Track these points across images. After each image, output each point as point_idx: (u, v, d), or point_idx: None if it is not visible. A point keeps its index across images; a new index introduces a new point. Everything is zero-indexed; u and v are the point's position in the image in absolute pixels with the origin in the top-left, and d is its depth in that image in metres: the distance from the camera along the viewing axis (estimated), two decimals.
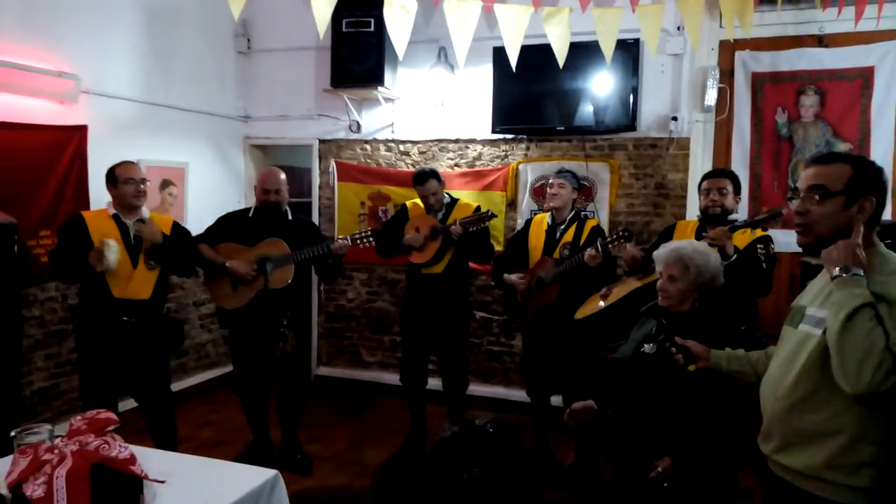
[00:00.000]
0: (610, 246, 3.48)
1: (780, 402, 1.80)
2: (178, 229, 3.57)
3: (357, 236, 3.71)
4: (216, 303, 3.81)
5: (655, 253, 2.57)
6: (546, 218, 3.93)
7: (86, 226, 3.32)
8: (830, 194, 1.73)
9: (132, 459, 1.20)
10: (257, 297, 3.63)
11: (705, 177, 3.43)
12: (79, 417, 1.24)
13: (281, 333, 3.62)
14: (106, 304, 3.28)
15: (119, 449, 1.19)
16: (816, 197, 1.74)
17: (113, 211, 3.38)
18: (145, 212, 3.46)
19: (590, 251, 3.49)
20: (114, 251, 3.19)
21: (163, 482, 1.23)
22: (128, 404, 3.73)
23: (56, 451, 1.16)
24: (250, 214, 3.83)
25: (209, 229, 3.82)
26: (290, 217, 3.80)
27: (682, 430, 2.28)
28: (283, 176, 3.75)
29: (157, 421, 3.49)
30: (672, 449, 2.28)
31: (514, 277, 3.86)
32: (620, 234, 3.49)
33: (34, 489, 1.11)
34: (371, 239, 3.73)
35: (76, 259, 3.23)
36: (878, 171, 1.77)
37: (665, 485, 2.26)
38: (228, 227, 3.79)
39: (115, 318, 3.29)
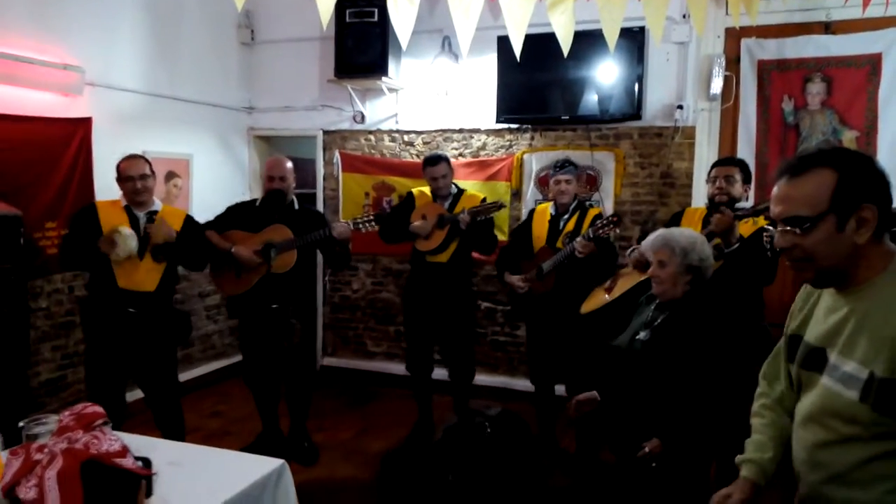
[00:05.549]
0: (601, 232, 3.48)
1: (814, 474, 1.45)
2: (191, 223, 3.55)
3: (359, 220, 3.71)
4: (220, 290, 3.82)
5: (643, 242, 2.59)
6: (549, 208, 3.94)
7: (97, 215, 3.34)
8: (814, 221, 1.33)
9: (122, 452, 1.19)
10: (262, 283, 3.64)
11: (714, 165, 3.41)
12: (67, 413, 1.24)
13: (288, 325, 3.63)
14: (111, 295, 3.30)
15: (109, 442, 1.18)
16: (797, 230, 1.36)
17: (125, 202, 3.39)
18: (158, 204, 3.46)
19: (580, 241, 3.53)
20: (128, 238, 3.18)
21: (154, 474, 1.23)
22: (135, 395, 3.76)
23: (46, 450, 1.15)
24: (257, 204, 3.86)
25: (218, 217, 3.83)
26: (296, 206, 3.81)
27: (672, 412, 2.30)
28: (289, 164, 3.76)
29: (164, 412, 3.50)
30: (662, 431, 2.30)
31: (514, 279, 3.87)
32: (608, 220, 3.51)
33: (27, 492, 1.11)
34: (373, 223, 3.73)
35: (86, 246, 3.24)
36: (869, 162, 1.36)
37: (653, 465, 2.28)
38: (236, 216, 3.81)
39: (120, 308, 3.31)
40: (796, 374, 1.55)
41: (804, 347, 1.51)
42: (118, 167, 3.36)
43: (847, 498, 1.38)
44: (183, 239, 3.42)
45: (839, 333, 1.41)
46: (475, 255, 4.23)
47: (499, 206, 3.88)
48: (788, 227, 1.37)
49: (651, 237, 2.55)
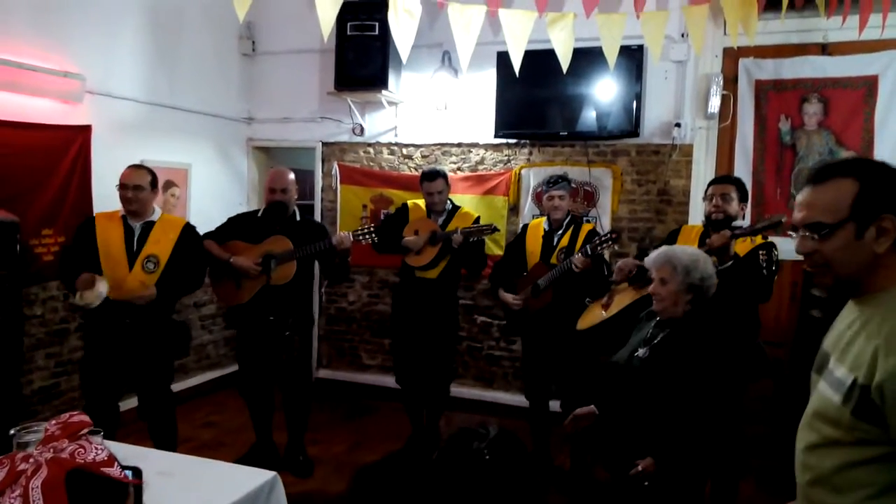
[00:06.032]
0: (599, 249, 3.49)
1: (803, 475, 1.47)
2: (189, 234, 3.52)
3: (359, 232, 3.70)
4: (219, 300, 3.80)
5: (646, 258, 2.58)
6: (542, 223, 3.94)
7: (94, 228, 3.36)
8: (833, 228, 1.37)
9: (109, 461, 1.17)
10: (261, 294, 3.63)
11: (711, 183, 3.42)
12: (53, 422, 1.22)
13: (287, 339, 3.62)
14: (107, 305, 3.29)
15: (95, 451, 1.16)
16: (816, 236, 1.39)
17: (122, 212, 3.39)
18: (157, 213, 3.47)
19: (578, 258, 3.53)
20: (97, 295, 3.17)
21: (140, 482, 1.22)
22: (128, 404, 3.74)
23: (31, 460, 1.14)
24: (259, 215, 3.86)
25: (219, 228, 3.83)
26: (297, 218, 3.81)
27: (667, 431, 2.28)
28: (291, 176, 3.76)
29: (157, 422, 3.49)
30: (656, 449, 2.29)
31: (509, 297, 3.88)
32: (606, 236, 3.51)
33: (11, 503, 1.09)
34: (373, 235, 3.72)
35: (75, 266, 3.26)
36: (893, 173, 1.38)
37: (646, 483, 2.27)
38: (237, 226, 3.80)
39: (116, 319, 3.30)
40: (812, 378, 1.55)
41: (820, 352, 1.54)
42: (121, 175, 3.37)
43: (830, 503, 1.38)
44: (179, 248, 3.41)
45: (841, 339, 1.43)
46: (464, 271, 4.24)
47: (492, 229, 3.89)
48: (808, 233, 1.41)
49: (654, 254, 2.53)
